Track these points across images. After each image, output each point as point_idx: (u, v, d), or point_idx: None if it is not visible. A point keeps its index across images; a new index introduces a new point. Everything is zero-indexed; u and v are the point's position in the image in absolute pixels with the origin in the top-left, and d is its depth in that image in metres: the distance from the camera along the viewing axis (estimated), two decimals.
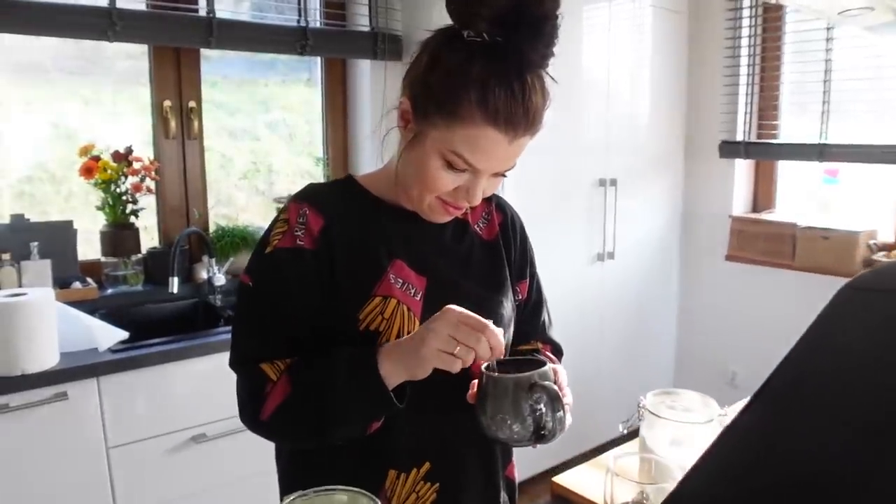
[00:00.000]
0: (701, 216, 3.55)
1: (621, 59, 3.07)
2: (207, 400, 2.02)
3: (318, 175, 3.14)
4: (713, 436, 1.09)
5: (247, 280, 1.00)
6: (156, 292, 2.44)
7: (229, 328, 2.11)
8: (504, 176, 0.99)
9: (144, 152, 2.51)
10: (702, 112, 3.47)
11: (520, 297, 1.15)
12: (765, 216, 3.36)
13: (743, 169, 3.44)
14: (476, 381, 0.97)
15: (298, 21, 2.69)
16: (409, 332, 0.97)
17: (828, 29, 2.98)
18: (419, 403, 0.95)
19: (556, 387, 0.90)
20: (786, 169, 3.43)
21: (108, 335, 1.92)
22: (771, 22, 3.26)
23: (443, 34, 0.95)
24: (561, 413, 0.91)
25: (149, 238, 2.63)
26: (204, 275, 2.55)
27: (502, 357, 0.91)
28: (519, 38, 0.89)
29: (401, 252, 1.02)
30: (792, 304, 3.23)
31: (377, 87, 2.99)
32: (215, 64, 2.76)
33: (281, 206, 1.04)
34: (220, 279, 2.47)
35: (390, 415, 0.94)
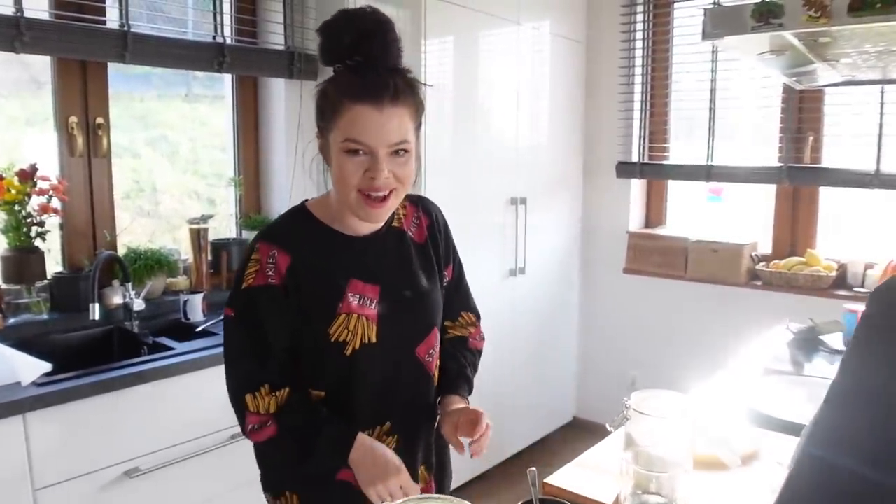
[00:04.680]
0: (600, 232, 3.76)
1: (527, 83, 3.23)
2: (139, 431, 1.91)
3: (214, 195, 3.04)
4: (684, 429, 1.19)
5: (230, 312, 1.22)
6: (65, 321, 2.28)
7: (157, 356, 2.04)
8: (401, 154, 1.19)
9: (47, 171, 2.35)
10: (599, 134, 3.69)
11: (447, 279, 1.40)
12: (658, 231, 3.61)
13: (637, 188, 3.69)
14: None
15: (214, 37, 2.63)
16: (367, 338, 1.23)
17: (713, 62, 3.28)
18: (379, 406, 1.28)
19: None
20: (674, 188, 3.72)
21: (31, 368, 1.78)
22: (660, 53, 3.53)
23: (325, 83, 1.20)
24: None
25: (52, 262, 2.46)
26: (117, 300, 2.41)
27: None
28: (369, 53, 1.16)
29: (354, 271, 1.24)
30: (685, 312, 3.49)
31: (292, 106, 2.96)
32: None
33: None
34: (138, 304, 2.34)
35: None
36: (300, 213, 1.28)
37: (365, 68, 1.16)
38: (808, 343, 2.31)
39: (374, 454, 1.19)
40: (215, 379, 2.08)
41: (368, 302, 1.23)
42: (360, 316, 1.22)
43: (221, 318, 2.33)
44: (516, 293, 3.31)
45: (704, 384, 1.89)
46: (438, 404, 1.38)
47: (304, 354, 1.23)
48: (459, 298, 1.46)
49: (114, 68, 2.52)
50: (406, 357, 1.29)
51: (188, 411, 2.02)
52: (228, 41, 2.70)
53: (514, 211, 3.22)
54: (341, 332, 1.21)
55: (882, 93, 2.85)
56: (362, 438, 1.21)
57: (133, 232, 2.79)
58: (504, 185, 3.19)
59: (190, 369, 2.00)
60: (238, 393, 1.21)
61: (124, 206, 2.77)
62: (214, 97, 3.04)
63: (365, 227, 1.26)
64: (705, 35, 1.41)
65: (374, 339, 1.23)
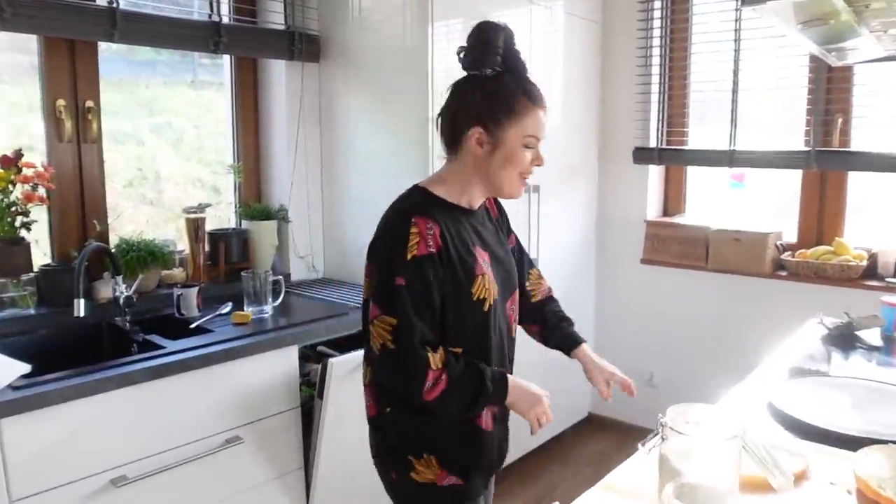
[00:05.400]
0: (616, 221, 3.60)
1: (540, 66, 3.06)
2: (127, 437, 1.79)
3: (219, 184, 2.92)
4: (732, 451, 1.05)
5: (402, 281, 1.34)
6: (52, 316, 2.16)
7: (145, 355, 1.91)
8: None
9: (34, 157, 2.22)
10: (615, 119, 3.53)
11: (511, 245, 1.66)
12: (677, 220, 3.45)
13: (655, 174, 3.53)
14: None
15: (210, 15, 2.48)
16: (494, 295, 1.45)
17: (735, 41, 3.11)
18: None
19: None
20: (693, 174, 3.55)
21: (7, 370, 1.66)
22: (679, 33, 3.36)
23: (465, 81, 1.43)
24: None
25: (40, 254, 2.33)
26: (107, 294, 2.29)
27: None
28: (520, 63, 1.44)
29: (476, 240, 1.47)
30: (706, 305, 3.34)
31: (293, 89, 2.82)
32: None
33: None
34: (129, 298, 2.21)
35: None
36: (423, 192, 1.45)
37: (526, 77, 1.42)
38: (845, 339, 2.16)
39: (524, 387, 1.45)
40: (207, 380, 1.97)
41: (486, 265, 1.45)
42: (485, 276, 1.43)
43: (225, 311, 2.25)
44: None
45: (734, 388, 1.74)
46: (570, 352, 1.68)
47: (446, 315, 1.39)
48: (524, 259, 1.73)
49: (118, 54, 2.41)
50: (503, 311, 1.52)
51: (178, 415, 1.89)
52: (226, 20, 2.55)
53: (527, 199, 3.06)
54: (481, 291, 1.42)
55: None
56: (510, 377, 1.45)
57: (136, 221, 2.67)
58: None
59: (180, 370, 1.86)
60: (418, 354, 1.34)
61: (126, 195, 2.66)
62: (221, 84, 2.92)
63: (477, 203, 1.50)
64: (745, 0, 1.25)
65: (496, 297, 1.46)
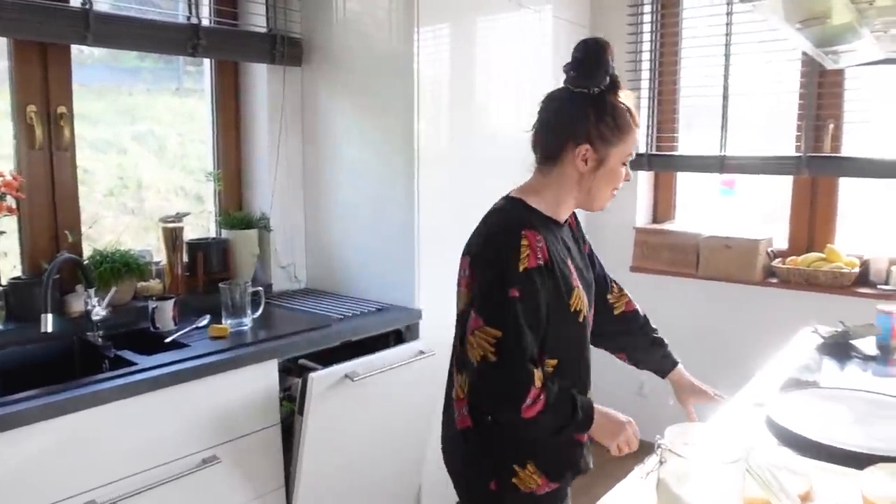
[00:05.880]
0: (605, 227, 3.54)
1: (529, 71, 3.01)
2: (98, 459, 1.70)
3: (202, 192, 2.83)
4: (736, 475, 0.99)
5: (515, 293, 1.33)
6: (21, 331, 2.06)
7: (117, 373, 1.83)
8: None
9: (3, 165, 2.14)
10: None
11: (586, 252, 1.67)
12: (667, 227, 3.41)
13: (644, 181, 3.48)
14: None
15: (189, 18, 2.41)
16: (584, 305, 1.45)
17: (726, 45, 3.07)
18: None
19: None
20: (683, 181, 3.51)
21: None
22: (669, 38, 3.32)
23: (571, 96, 1.42)
24: None
25: (9, 267, 2.24)
26: (80, 308, 2.20)
27: None
28: (614, 80, 1.41)
29: (566, 253, 1.47)
30: (697, 313, 3.28)
31: (275, 94, 2.75)
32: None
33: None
34: (102, 312, 2.12)
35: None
36: (522, 204, 1.45)
37: (626, 93, 1.43)
38: (840, 348, 2.11)
39: (610, 415, 1.46)
40: (182, 398, 1.87)
41: (577, 278, 1.46)
42: (579, 288, 1.45)
43: (202, 324, 2.15)
44: None
45: (729, 400, 1.68)
46: (667, 376, 1.74)
47: (548, 327, 1.39)
48: (601, 269, 1.73)
49: (100, 61, 2.34)
50: (587, 323, 1.53)
51: (152, 435, 1.81)
52: (205, 22, 2.48)
53: None
54: (577, 303, 1.43)
55: None
56: (596, 406, 1.45)
57: (116, 231, 2.59)
58: (505, 178, 2.96)
59: (153, 388, 1.78)
60: (525, 369, 1.33)
61: (107, 204, 2.58)
62: (204, 91, 2.84)
63: (565, 216, 1.51)
64: None
65: (587, 308, 1.49)
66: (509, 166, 2.95)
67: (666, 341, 1.76)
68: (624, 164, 1.45)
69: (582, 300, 1.45)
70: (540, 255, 1.35)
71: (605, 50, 1.38)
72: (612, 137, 1.39)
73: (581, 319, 1.45)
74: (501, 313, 1.33)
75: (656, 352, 1.74)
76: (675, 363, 1.73)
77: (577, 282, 1.44)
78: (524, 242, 1.35)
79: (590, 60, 1.38)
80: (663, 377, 1.73)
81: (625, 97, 1.42)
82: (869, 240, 3.00)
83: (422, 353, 2.39)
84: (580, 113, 1.39)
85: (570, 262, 1.46)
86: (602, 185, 1.45)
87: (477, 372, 1.36)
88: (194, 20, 2.42)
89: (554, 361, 1.42)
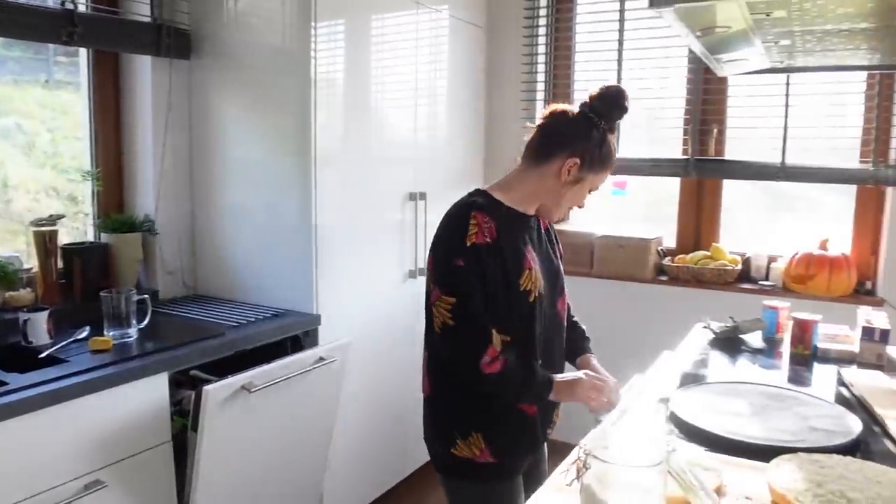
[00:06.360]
0: None
1: (425, 71, 2.98)
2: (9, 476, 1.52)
3: (76, 192, 2.61)
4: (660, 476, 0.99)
5: (461, 262, 1.50)
6: None
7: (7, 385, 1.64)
8: None
9: None
10: (502, 124, 3.50)
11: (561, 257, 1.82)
12: (562, 227, 3.47)
13: None
14: None
15: (63, 3, 2.20)
16: (539, 289, 1.60)
17: (618, 51, 3.16)
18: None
19: None
20: None
21: None
22: (563, 41, 3.38)
23: (584, 117, 1.60)
24: None
25: None
26: None
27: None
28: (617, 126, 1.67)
29: (527, 240, 1.63)
30: (593, 310, 3.33)
31: (160, 88, 2.57)
32: None
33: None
34: None
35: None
36: (485, 195, 1.61)
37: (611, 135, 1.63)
38: (731, 343, 2.20)
39: (565, 379, 1.60)
40: (60, 419, 1.70)
41: (535, 263, 1.61)
42: (534, 270, 1.59)
43: (82, 336, 1.96)
44: (418, 294, 3.05)
45: (629, 396, 1.70)
46: (576, 361, 1.83)
47: (496, 304, 1.53)
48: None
49: None
50: (552, 308, 1.68)
51: (26, 462, 1.63)
52: (81, 8, 2.28)
53: (413, 206, 2.97)
54: (527, 283, 1.57)
55: (787, 84, 2.82)
56: (556, 376, 1.60)
57: None
58: (401, 180, 2.93)
59: (26, 410, 1.60)
60: (478, 325, 1.50)
61: None
62: (79, 84, 2.63)
63: (532, 211, 1.66)
64: (653, 3, 1.21)
65: (542, 291, 1.62)
66: (405, 166, 2.94)
67: (589, 339, 1.93)
68: (590, 191, 1.66)
69: (534, 282, 1.58)
70: (487, 234, 1.51)
71: (627, 100, 1.61)
72: (597, 165, 1.61)
73: (532, 299, 1.58)
74: (453, 281, 1.50)
75: (578, 340, 1.90)
76: (586, 351, 1.88)
77: (531, 264, 1.59)
78: (472, 222, 1.52)
79: (614, 100, 1.59)
80: (572, 362, 1.85)
81: (615, 141, 1.64)
82: (749, 238, 3.18)
83: (322, 359, 2.30)
84: (588, 134, 1.58)
85: (528, 248, 1.61)
86: (568, 199, 1.65)
87: (440, 338, 1.54)
88: (69, 5, 2.22)
89: (508, 338, 1.56)
